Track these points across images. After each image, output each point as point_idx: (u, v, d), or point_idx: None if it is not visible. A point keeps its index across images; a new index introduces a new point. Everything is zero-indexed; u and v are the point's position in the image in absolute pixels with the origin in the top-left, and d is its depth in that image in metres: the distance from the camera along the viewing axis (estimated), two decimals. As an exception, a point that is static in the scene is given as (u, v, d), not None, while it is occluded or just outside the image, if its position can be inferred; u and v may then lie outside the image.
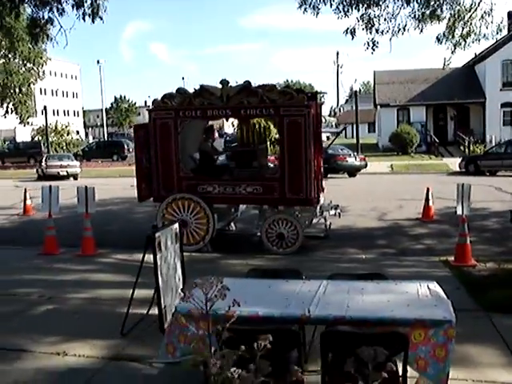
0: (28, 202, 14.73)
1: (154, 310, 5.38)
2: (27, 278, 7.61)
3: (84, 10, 13.30)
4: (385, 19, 11.61)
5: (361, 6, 11.09)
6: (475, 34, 14.08)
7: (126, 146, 43.37)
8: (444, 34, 14.02)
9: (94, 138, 70.62)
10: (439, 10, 13.57)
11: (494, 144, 31.78)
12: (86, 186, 9.45)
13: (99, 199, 15.74)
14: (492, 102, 36.80)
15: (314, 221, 10.56)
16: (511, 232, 10.75)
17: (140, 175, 10.14)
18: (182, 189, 9.93)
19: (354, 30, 11.60)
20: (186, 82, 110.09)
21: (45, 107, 36.77)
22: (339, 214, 10.50)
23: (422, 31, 13.92)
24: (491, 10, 13.57)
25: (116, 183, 23.58)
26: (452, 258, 8.57)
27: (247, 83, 9.41)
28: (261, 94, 9.32)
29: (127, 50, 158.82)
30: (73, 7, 13.34)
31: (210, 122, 11.41)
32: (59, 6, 13.79)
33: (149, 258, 7.90)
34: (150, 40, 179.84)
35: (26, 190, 14.78)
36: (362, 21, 11.35)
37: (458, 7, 13.71)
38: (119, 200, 16.96)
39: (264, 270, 4.69)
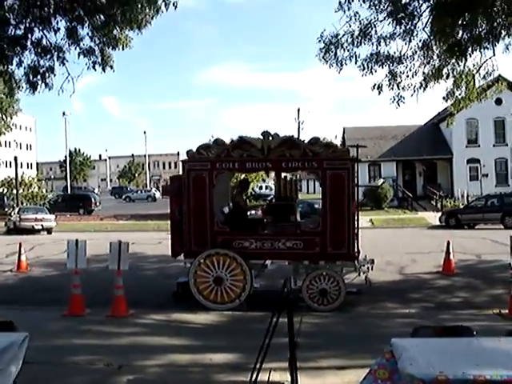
0: (23, 257, 13.77)
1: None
2: (73, 343, 6.85)
3: (94, 59, 13.04)
4: (407, 76, 11.88)
5: (385, 63, 11.31)
6: (477, 92, 14.63)
7: (93, 200, 42.31)
8: (450, 92, 14.49)
9: (52, 191, 68.60)
10: (445, 70, 14.05)
11: (465, 198, 32.77)
12: (120, 241, 8.84)
13: (93, 254, 15.08)
14: (458, 158, 38.29)
15: (350, 275, 10.24)
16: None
17: (174, 230, 9.62)
18: (216, 244, 9.47)
19: (381, 85, 11.78)
20: (147, 137, 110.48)
21: (15, 158, 35.44)
22: (372, 267, 10.24)
23: (425, 89, 14.40)
24: (493, 70, 14.16)
25: (99, 238, 22.58)
26: (505, 311, 8.42)
27: (290, 136, 9.26)
28: (304, 147, 9.16)
29: (78, 103, 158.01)
30: (79, 55, 13.03)
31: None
32: (60, 55, 13.47)
33: (184, 317, 7.41)
34: (100, 93, 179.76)
35: (20, 244, 13.85)
36: (388, 76, 11.56)
37: (462, 67, 14.25)
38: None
39: (433, 328, 4.30)
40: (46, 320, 8.28)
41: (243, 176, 18.68)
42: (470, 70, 14.20)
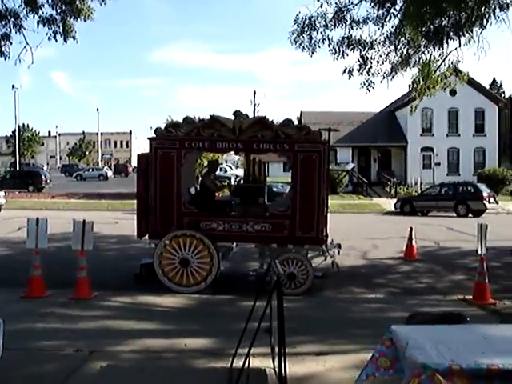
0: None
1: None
2: (36, 327, 6.48)
3: (54, 28, 12.38)
4: (377, 62, 11.85)
5: (357, 47, 11.23)
6: (444, 82, 14.81)
7: (43, 177, 40.86)
8: (416, 80, 14.61)
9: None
10: (411, 60, 14.14)
11: (418, 186, 33.56)
12: (84, 220, 8.44)
13: (48, 234, 14.50)
14: (413, 146, 39.11)
15: (317, 260, 10.22)
16: (498, 271, 11.12)
17: (140, 209, 9.29)
18: (182, 225, 9.22)
19: (352, 70, 11.71)
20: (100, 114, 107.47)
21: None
22: (339, 252, 10.26)
23: (393, 77, 14.48)
24: (458, 61, 14.35)
25: (52, 216, 21.75)
26: (469, 297, 8.58)
27: (263, 116, 9.06)
28: (276, 129, 8.99)
29: (26, 77, 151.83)
30: (38, 24, 12.35)
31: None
32: (17, 22, 12.75)
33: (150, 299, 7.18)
34: (50, 68, 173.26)
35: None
36: (359, 62, 11.50)
37: (427, 56, 14.37)
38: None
39: (425, 314, 4.24)
40: (2, 302, 7.83)
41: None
42: (435, 59, 14.35)
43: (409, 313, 7.48)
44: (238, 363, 4.89)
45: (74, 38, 12.43)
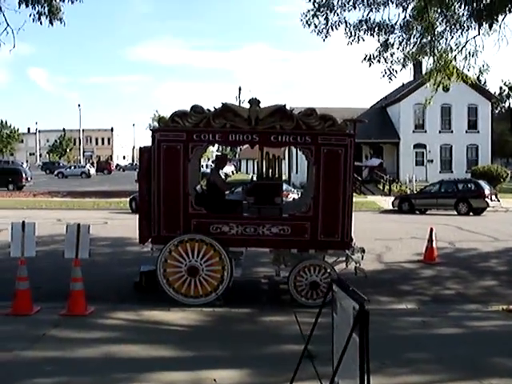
0: None
1: None
2: (25, 357, 5.33)
3: (39, 9, 11.14)
4: (397, 48, 10.85)
5: (376, 31, 10.20)
6: (458, 74, 13.89)
7: (23, 175, 39.26)
8: (431, 71, 13.71)
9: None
10: (427, 48, 13.19)
11: (413, 184, 32.80)
12: (78, 224, 7.28)
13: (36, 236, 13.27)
14: (405, 142, 38.36)
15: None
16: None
17: (142, 210, 8.17)
18: (189, 228, 8.11)
19: (373, 56, 10.66)
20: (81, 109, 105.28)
21: None
22: (363, 257, 9.25)
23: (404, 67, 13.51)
24: (476, 51, 13.43)
25: (34, 216, 20.40)
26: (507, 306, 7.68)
27: (282, 105, 7.99)
28: (297, 119, 7.94)
29: (2, 73, 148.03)
30: (20, 4, 11.08)
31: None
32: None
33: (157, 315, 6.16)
34: (27, 64, 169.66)
35: None
36: (381, 47, 10.46)
37: (444, 46, 13.43)
38: (61, 237, 14.29)
39: None
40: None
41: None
42: (451, 48, 13.42)
43: (457, 328, 6.55)
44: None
45: (60, 20, 11.22)
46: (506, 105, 71.18)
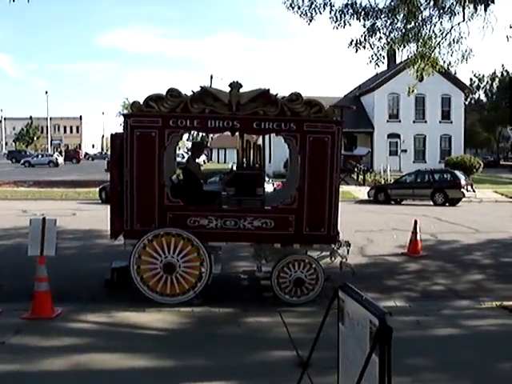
0: None
1: None
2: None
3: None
4: (384, 34, 10.38)
5: (364, 16, 9.70)
6: (443, 61, 13.54)
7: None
8: (414, 58, 13.34)
9: None
10: (411, 33, 12.77)
11: (387, 173, 32.68)
12: (44, 218, 6.60)
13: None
14: (380, 132, 38.22)
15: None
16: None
17: (114, 202, 7.53)
18: (165, 222, 7.52)
19: (359, 41, 10.15)
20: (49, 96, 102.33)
21: None
22: (348, 251, 8.81)
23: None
24: (460, 37, 13.08)
25: (0, 207, 19.46)
26: (508, 303, 7.34)
27: (266, 89, 7.43)
28: (282, 104, 7.39)
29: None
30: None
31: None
32: None
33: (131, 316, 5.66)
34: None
35: None
36: (368, 32, 9.97)
37: (428, 32, 13.04)
38: (27, 230, 13.47)
39: None
40: None
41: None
42: (435, 35, 13.04)
43: (455, 328, 6.15)
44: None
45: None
46: (476, 96, 71.97)
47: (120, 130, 7.44)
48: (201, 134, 57.37)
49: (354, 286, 3.58)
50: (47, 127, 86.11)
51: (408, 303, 7.75)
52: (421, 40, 12.86)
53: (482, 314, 6.92)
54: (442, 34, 13.06)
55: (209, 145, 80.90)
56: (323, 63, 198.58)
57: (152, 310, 6.84)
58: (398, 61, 35.23)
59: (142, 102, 7.41)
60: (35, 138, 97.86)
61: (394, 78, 37.31)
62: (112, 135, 7.60)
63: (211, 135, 72.66)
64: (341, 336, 3.44)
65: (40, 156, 62.86)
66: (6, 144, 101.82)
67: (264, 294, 8.14)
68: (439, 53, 13.27)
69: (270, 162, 41.75)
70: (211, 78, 65.25)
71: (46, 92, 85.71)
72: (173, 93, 7.40)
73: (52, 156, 62.26)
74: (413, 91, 14.71)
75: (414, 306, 7.57)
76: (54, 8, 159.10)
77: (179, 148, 56.29)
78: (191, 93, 7.39)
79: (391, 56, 28.74)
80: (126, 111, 58.01)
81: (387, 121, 39.12)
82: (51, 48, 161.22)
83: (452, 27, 12.90)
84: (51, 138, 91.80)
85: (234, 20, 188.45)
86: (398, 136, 38.85)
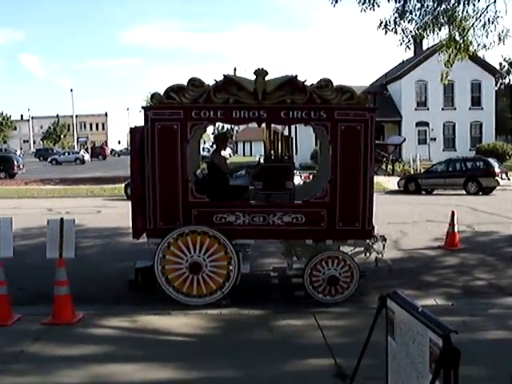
0: None
1: None
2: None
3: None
4: (416, 14, 9.80)
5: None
6: (477, 44, 12.87)
7: (15, 162, 38.17)
8: (446, 42, 12.71)
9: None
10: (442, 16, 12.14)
11: (417, 163, 31.84)
12: (61, 218, 6.28)
13: (21, 228, 12.27)
14: (407, 121, 37.28)
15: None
16: None
17: (136, 199, 7.18)
18: (190, 219, 7.14)
19: (389, 22, 9.59)
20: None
21: None
22: (384, 246, 8.32)
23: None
24: (496, 17, 12.37)
25: (26, 206, 19.44)
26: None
27: (293, 76, 6.96)
28: (310, 91, 6.91)
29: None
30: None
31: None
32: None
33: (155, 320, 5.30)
34: (18, 50, 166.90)
35: None
36: (399, 14, 9.42)
37: (460, 15, 12.37)
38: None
39: None
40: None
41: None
42: (470, 16, 12.37)
43: (507, 330, 5.60)
44: None
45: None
46: (506, 81, 69.84)
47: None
48: (226, 126, 57.16)
49: (403, 294, 3.11)
50: (73, 125, 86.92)
51: (450, 301, 7.23)
52: (454, 22, 12.22)
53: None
54: (476, 14, 12.40)
55: (234, 138, 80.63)
56: (347, 52, 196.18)
57: (177, 312, 6.48)
58: (424, 47, 34.35)
59: (162, 94, 7.04)
60: (62, 136, 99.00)
61: (421, 64, 36.31)
62: (131, 129, 7.24)
63: (236, 128, 72.53)
64: (390, 352, 2.98)
65: (66, 154, 63.48)
66: (34, 142, 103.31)
67: (295, 292, 7.74)
68: (473, 35, 12.62)
69: (296, 153, 41.23)
70: (235, 70, 64.69)
71: (71, 90, 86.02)
72: (195, 82, 6.99)
73: (78, 153, 62.82)
74: (446, 77, 13.99)
75: (457, 304, 7.04)
76: (78, 7, 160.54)
77: (204, 142, 56.13)
78: (214, 82, 6.98)
79: (418, 43, 27.99)
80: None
81: (415, 109, 38.10)
82: (75, 46, 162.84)
83: (488, 6, 12.22)
84: (77, 135, 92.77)
85: (257, 12, 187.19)
86: (427, 124, 37.81)
